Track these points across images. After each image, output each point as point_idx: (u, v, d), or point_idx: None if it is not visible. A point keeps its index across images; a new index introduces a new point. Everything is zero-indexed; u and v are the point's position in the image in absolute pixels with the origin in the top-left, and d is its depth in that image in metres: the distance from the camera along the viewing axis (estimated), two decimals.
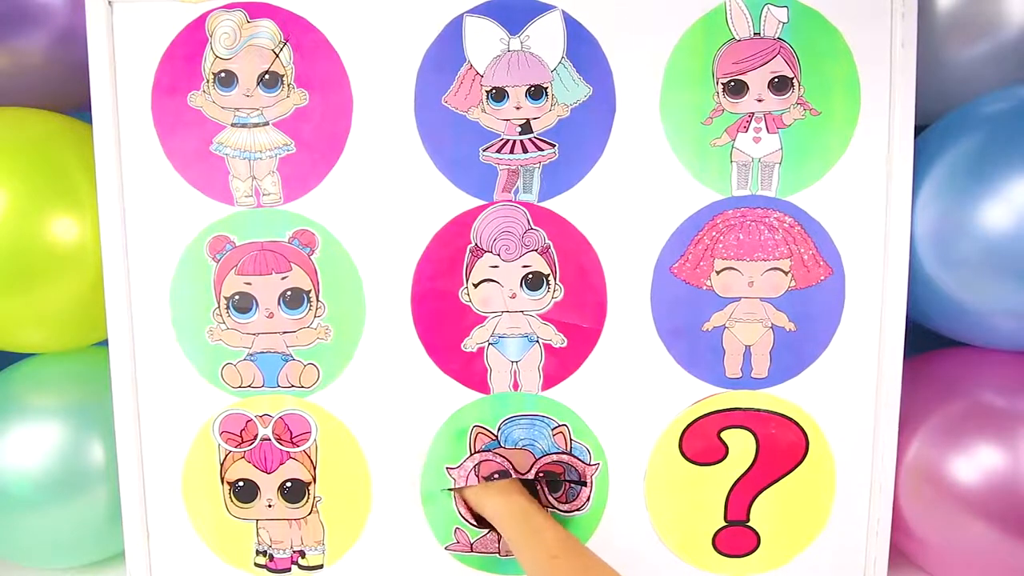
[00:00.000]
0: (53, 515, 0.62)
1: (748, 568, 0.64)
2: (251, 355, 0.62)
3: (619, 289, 0.61)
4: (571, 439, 0.62)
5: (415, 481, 0.63)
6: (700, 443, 0.62)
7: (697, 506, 0.63)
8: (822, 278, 0.61)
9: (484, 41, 0.60)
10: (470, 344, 0.62)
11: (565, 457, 0.62)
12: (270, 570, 0.64)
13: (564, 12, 0.59)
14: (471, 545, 0.63)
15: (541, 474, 0.62)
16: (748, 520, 0.63)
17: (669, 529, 0.63)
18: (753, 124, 0.60)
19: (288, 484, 0.63)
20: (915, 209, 0.59)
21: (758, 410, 0.62)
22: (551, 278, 0.61)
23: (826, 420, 0.62)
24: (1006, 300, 0.56)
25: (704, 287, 0.61)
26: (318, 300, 0.61)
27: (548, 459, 0.62)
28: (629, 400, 0.62)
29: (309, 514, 0.63)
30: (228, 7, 0.60)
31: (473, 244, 0.61)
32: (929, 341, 0.66)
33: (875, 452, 0.61)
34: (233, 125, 0.60)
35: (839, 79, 0.59)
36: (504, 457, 0.62)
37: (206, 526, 0.64)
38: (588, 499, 0.62)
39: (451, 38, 0.60)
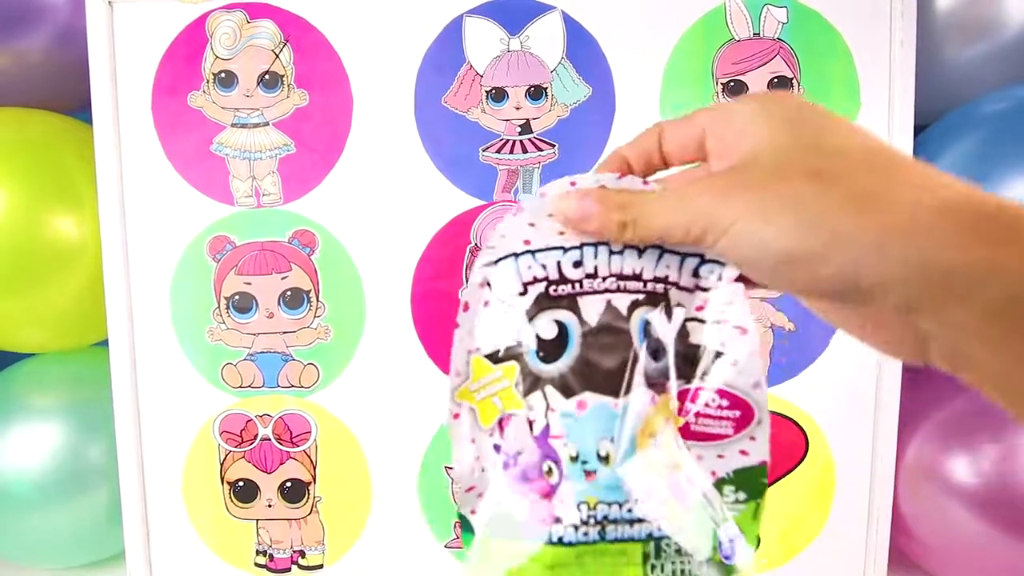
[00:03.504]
0: (53, 515, 0.62)
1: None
2: (251, 355, 0.62)
3: None
4: None
5: (413, 480, 0.63)
6: None
7: None
8: None
9: (484, 41, 0.60)
10: None
11: None
12: (270, 570, 0.64)
13: (564, 12, 0.59)
14: None
15: None
16: None
17: None
18: None
19: (288, 484, 0.63)
20: None
21: None
22: None
23: (825, 420, 0.62)
24: None
25: None
26: (318, 300, 0.61)
27: None
28: None
29: (309, 514, 0.63)
30: (228, 7, 0.60)
31: (473, 244, 0.61)
32: None
33: (875, 452, 0.61)
34: (233, 125, 0.60)
35: (839, 79, 0.59)
36: None
37: (206, 526, 0.64)
38: None
39: (451, 38, 0.60)
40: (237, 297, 0.61)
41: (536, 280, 0.30)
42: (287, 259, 0.61)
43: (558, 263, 0.30)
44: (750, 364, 0.30)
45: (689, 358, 0.30)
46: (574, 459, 0.30)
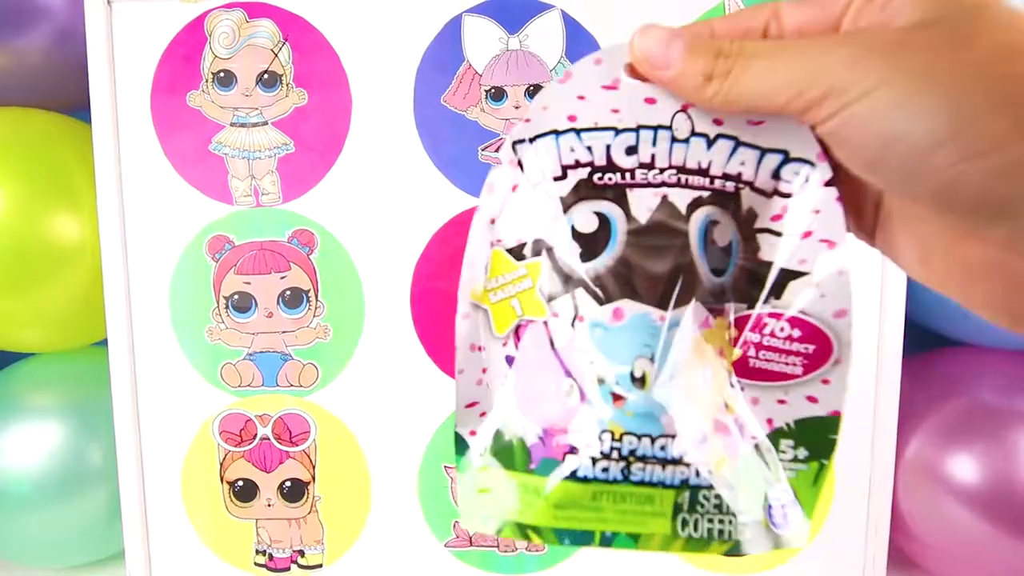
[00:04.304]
0: (52, 515, 0.62)
1: (747, 567, 0.64)
2: (250, 354, 0.62)
3: None
4: None
5: (413, 480, 0.63)
6: None
7: None
8: None
9: (483, 40, 0.60)
10: None
11: None
12: (269, 569, 0.64)
13: (563, 11, 0.59)
14: (470, 539, 0.63)
15: None
16: None
17: None
18: None
19: (287, 484, 0.63)
20: None
21: None
22: None
23: None
24: None
25: None
26: (317, 300, 0.61)
27: None
28: None
29: (308, 514, 0.63)
30: (227, 6, 0.60)
31: None
32: (928, 340, 0.66)
33: (874, 451, 0.61)
34: (232, 125, 0.60)
35: None
36: None
37: (206, 525, 0.64)
38: None
39: (450, 37, 0.60)
40: (236, 296, 0.61)
41: (579, 164, 0.25)
42: (286, 258, 0.61)
43: (607, 147, 0.25)
44: (837, 286, 0.24)
45: (756, 277, 0.24)
46: (601, 379, 0.24)
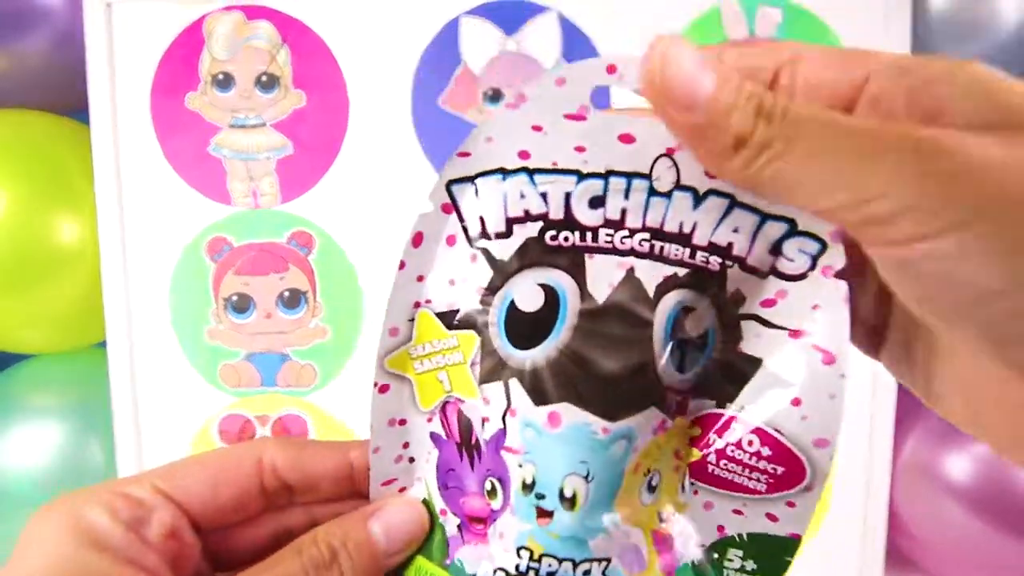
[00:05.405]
0: None
1: None
2: (249, 355, 0.62)
3: None
4: None
5: None
6: None
7: None
8: None
9: (480, 42, 0.60)
10: None
11: None
12: None
13: (560, 13, 0.59)
14: None
15: None
16: None
17: None
18: None
19: None
20: None
21: None
22: None
23: None
24: None
25: None
26: (315, 300, 0.62)
27: None
28: None
29: None
30: (226, 9, 0.60)
31: None
32: None
33: (871, 450, 0.62)
34: (231, 127, 0.61)
35: None
36: None
37: None
38: None
39: (447, 39, 0.60)
40: (235, 297, 0.62)
41: (528, 217, 0.20)
42: (285, 259, 0.61)
43: (566, 196, 0.20)
44: (823, 410, 0.20)
45: (732, 372, 0.20)
46: (527, 487, 0.20)
